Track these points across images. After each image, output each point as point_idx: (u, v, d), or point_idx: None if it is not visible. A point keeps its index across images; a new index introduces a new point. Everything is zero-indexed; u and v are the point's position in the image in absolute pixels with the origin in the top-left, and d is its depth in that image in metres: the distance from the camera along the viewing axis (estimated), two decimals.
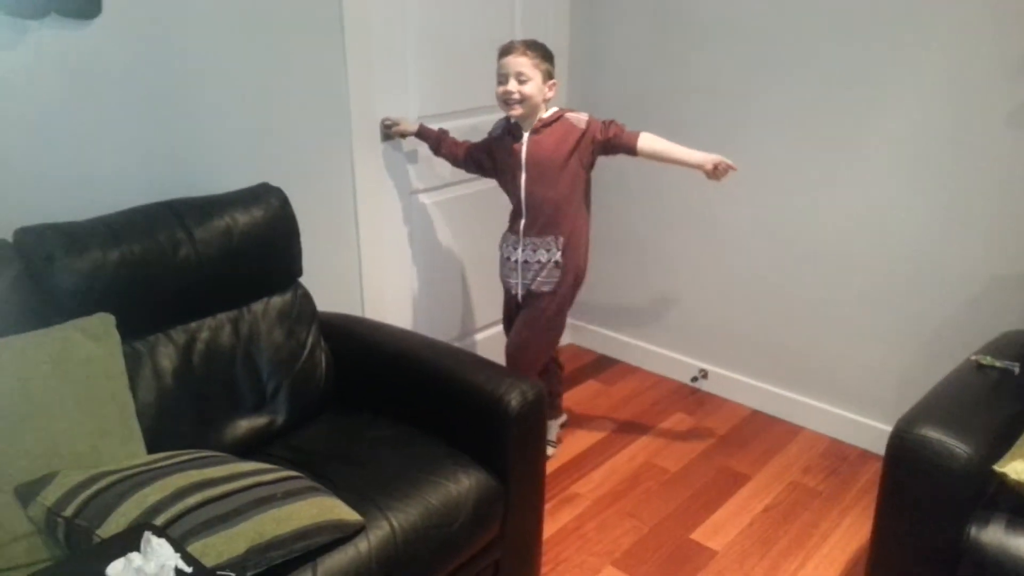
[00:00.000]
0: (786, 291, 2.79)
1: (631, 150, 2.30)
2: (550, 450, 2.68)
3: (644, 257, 3.14)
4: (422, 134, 2.52)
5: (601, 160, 2.38)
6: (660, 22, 2.86)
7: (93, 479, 1.45)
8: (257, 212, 1.98)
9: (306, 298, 2.11)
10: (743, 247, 2.85)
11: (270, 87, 2.19)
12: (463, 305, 3.02)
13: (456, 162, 2.53)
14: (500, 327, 3.10)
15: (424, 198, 2.74)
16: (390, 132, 2.52)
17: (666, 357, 3.19)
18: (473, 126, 2.61)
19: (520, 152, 2.32)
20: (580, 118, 2.30)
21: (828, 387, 2.79)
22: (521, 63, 2.26)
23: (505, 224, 2.47)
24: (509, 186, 2.40)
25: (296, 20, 2.20)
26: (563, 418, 2.84)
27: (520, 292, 2.44)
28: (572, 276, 2.40)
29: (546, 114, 2.31)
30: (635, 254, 3.16)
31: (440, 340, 2.17)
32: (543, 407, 1.89)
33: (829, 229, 2.63)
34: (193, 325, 1.90)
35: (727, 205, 2.84)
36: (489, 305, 3.11)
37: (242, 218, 1.95)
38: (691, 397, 3.06)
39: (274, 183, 2.09)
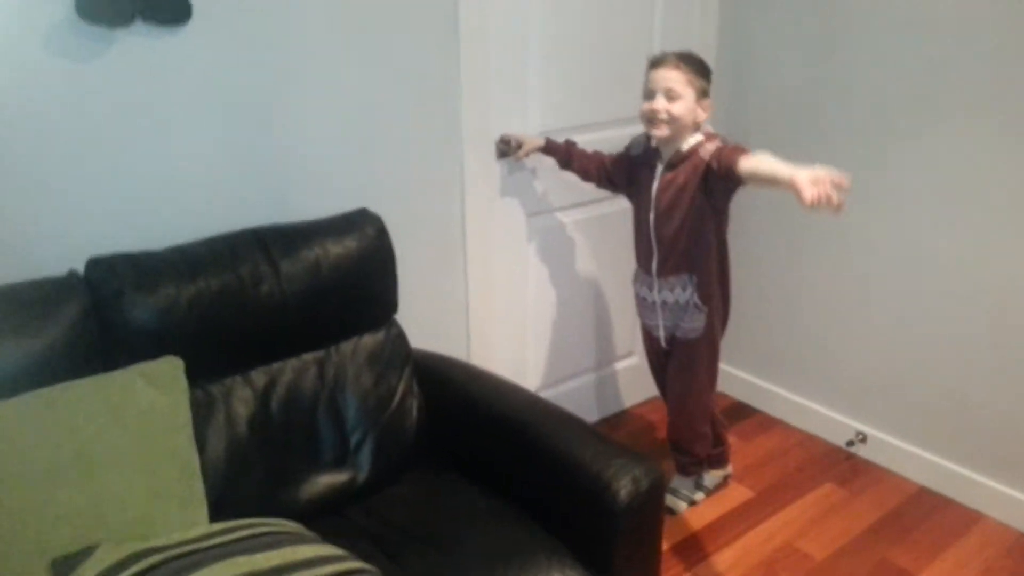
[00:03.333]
0: (970, 347, 2.31)
1: (732, 173, 1.86)
2: (699, 496, 2.44)
3: (796, 292, 2.72)
4: (549, 148, 2.28)
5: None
6: (825, 32, 2.42)
7: (133, 558, 1.28)
8: (351, 242, 1.79)
9: (400, 338, 1.90)
10: (920, 290, 2.39)
11: (374, 101, 1.98)
12: (589, 338, 2.73)
13: (587, 177, 2.29)
14: (627, 361, 2.88)
15: (544, 221, 2.47)
16: (513, 157, 2.27)
17: (817, 412, 2.76)
18: (602, 141, 2.31)
19: (651, 189, 2.07)
20: (709, 149, 1.96)
21: (1018, 467, 2.29)
22: (672, 78, 1.95)
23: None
24: (640, 217, 2.15)
25: (406, 28, 1.98)
26: (726, 469, 2.51)
27: (663, 335, 2.24)
28: (719, 318, 2.21)
29: (686, 146, 2.00)
30: (785, 288, 2.75)
31: (551, 401, 1.88)
32: (660, 497, 1.59)
33: None
34: (275, 367, 1.74)
35: (902, 236, 2.38)
36: (617, 339, 2.81)
37: (333, 249, 1.76)
38: (844, 464, 2.62)
39: (373, 207, 1.89)
